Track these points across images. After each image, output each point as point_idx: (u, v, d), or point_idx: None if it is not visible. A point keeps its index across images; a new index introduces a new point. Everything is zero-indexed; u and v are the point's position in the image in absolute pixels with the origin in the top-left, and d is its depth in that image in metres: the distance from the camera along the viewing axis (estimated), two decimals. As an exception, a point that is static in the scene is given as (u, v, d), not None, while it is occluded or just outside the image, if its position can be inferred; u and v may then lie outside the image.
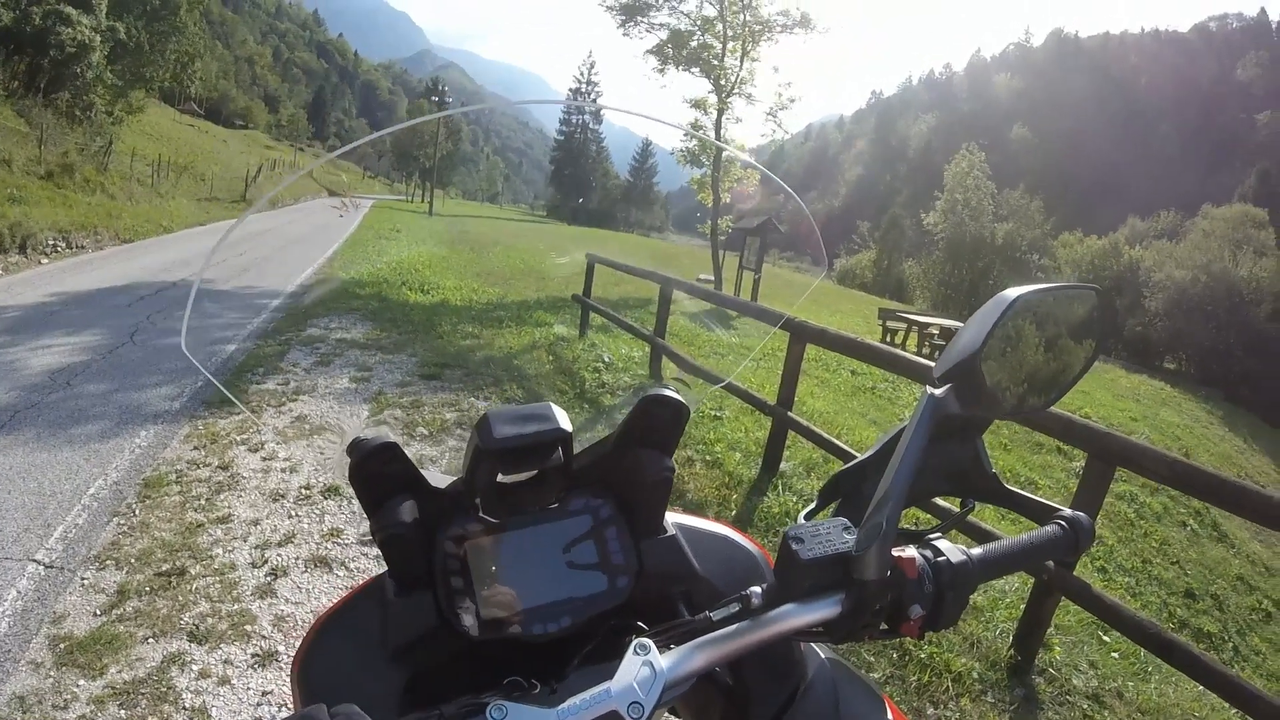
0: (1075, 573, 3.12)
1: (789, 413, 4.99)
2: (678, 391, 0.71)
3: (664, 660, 0.54)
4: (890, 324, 17.04)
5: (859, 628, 0.59)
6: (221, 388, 1.12)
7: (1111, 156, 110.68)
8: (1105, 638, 3.73)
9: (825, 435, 4.71)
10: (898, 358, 4.33)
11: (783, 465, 5.19)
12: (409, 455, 0.66)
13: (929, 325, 15.85)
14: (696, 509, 4.51)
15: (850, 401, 9.49)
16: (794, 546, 0.59)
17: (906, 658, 3.14)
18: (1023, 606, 3.37)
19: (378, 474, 0.64)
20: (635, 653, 0.54)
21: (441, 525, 0.67)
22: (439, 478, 0.69)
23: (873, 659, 3.12)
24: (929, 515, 3.79)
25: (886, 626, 0.60)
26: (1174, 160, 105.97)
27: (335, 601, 0.72)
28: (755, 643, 0.57)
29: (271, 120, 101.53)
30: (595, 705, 0.51)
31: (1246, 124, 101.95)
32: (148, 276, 10.97)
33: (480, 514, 0.68)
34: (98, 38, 21.97)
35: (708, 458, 5.31)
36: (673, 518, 0.76)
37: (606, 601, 0.67)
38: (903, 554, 0.60)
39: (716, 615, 0.60)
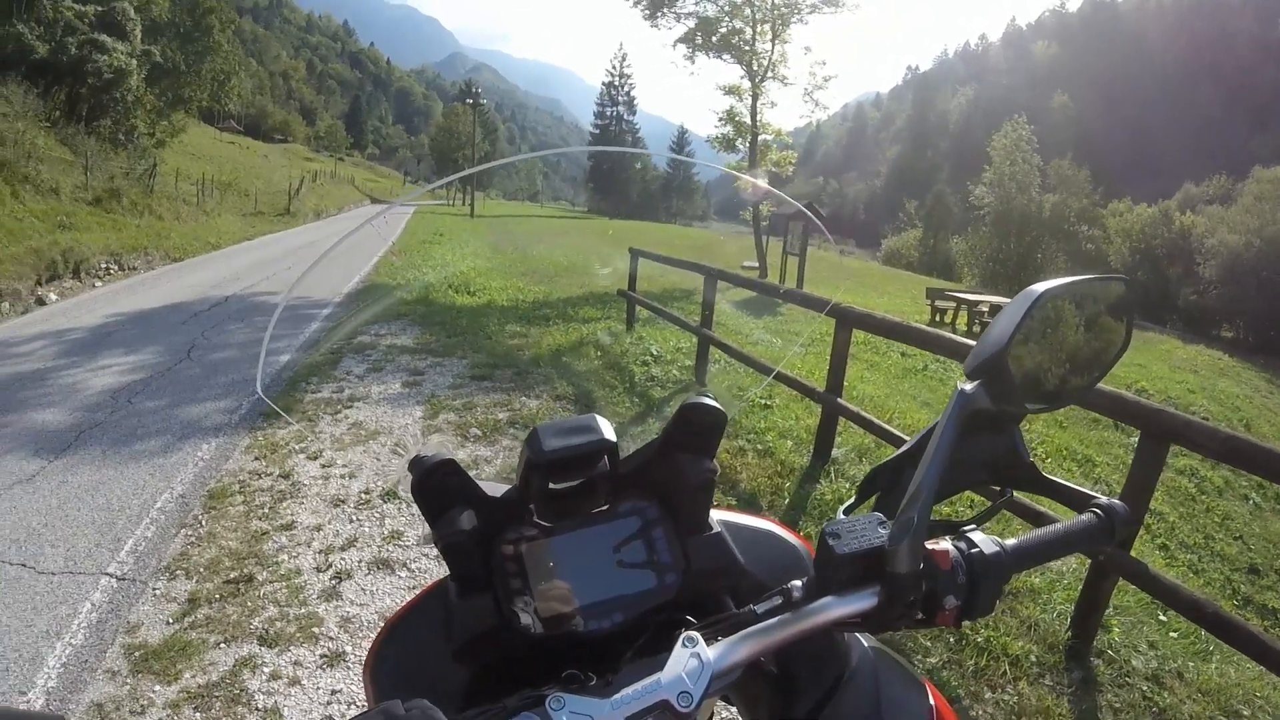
0: (1134, 552, 3.07)
1: (838, 399, 4.96)
2: (716, 398, 0.73)
3: (711, 652, 0.57)
4: (939, 303, 16.75)
5: (895, 618, 0.61)
6: (289, 418, 1.18)
7: (1153, 121, 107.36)
8: (1163, 617, 3.65)
9: (875, 420, 4.66)
10: (942, 339, 4.28)
11: (834, 452, 5.16)
12: (465, 468, 0.70)
13: (979, 303, 15.50)
14: (749, 499, 4.53)
15: (901, 384, 9.39)
16: (831, 542, 0.62)
17: (963, 642, 3.12)
18: (1080, 588, 3.32)
19: (438, 487, 0.68)
20: (683, 645, 0.57)
21: (498, 531, 0.71)
22: (494, 487, 0.73)
23: (930, 644, 3.11)
24: (982, 498, 3.77)
25: (923, 616, 0.62)
26: (1218, 122, 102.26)
27: (402, 605, 0.77)
28: (797, 634, 0.60)
29: (310, 132, 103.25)
30: (647, 695, 0.54)
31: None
32: (200, 293, 11.30)
33: (534, 519, 0.72)
34: (134, 62, 22.60)
35: (759, 446, 5.30)
36: (718, 515, 0.78)
37: (656, 598, 0.70)
38: (936, 546, 0.62)
39: (760, 608, 0.62)
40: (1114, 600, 3.37)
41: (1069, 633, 3.21)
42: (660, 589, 0.70)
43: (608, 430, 0.70)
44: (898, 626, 0.62)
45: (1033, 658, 3.06)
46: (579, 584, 0.70)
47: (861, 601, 0.61)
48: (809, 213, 1.59)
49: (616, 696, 0.54)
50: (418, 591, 0.78)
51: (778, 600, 0.62)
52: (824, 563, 0.62)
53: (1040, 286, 0.67)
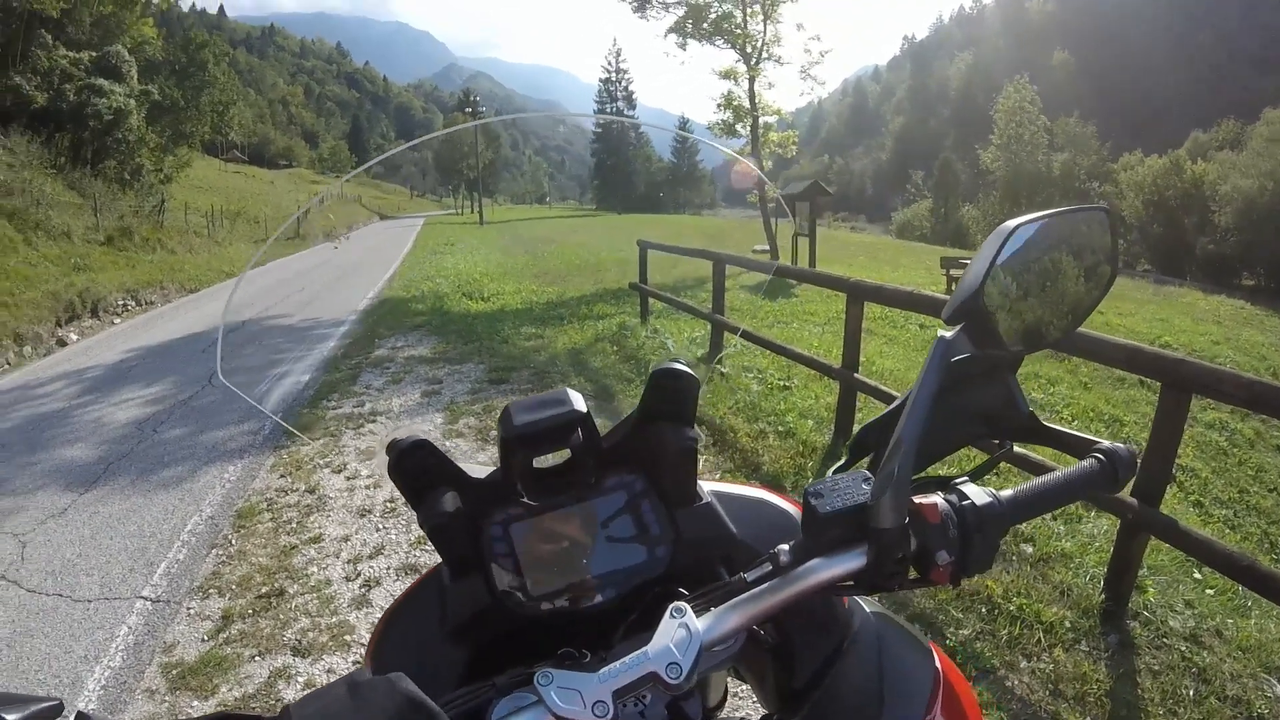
0: (1167, 510, 3.01)
1: (855, 374, 4.93)
2: (687, 364, 0.73)
3: (700, 622, 0.56)
4: (953, 272, 16.53)
5: (887, 577, 0.59)
6: (267, 411, 1.19)
7: (1158, 71, 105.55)
8: (1198, 575, 3.58)
9: (894, 393, 4.63)
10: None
11: (855, 429, 5.13)
12: (446, 451, 0.70)
13: (994, 267, 15.37)
14: (773, 480, 4.51)
15: (920, 356, 9.32)
16: (814, 502, 0.60)
17: (995, 611, 3.09)
18: (1112, 550, 3.27)
19: (417, 469, 0.69)
20: (671, 616, 0.56)
21: (485, 512, 0.71)
22: (478, 469, 0.74)
23: (961, 615, 3.07)
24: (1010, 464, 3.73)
25: (917, 575, 0.60)
26: (1222, 66, 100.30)
27: (403, 591, 0.78)
28: (786, 599, 0.59)
29: (313, 156, 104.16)
30: (634, 668, 0.53)
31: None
32: (216, 321, 11.42)
33: (522, 499, 0.72)
34: (133, 102, 22.94)
35: (779, 428, 5.29)
36: (708, 485, 0.78)
37: (647, 571, 0.70)
38: (924, 500, 0.60)
39: (750, 575, 0.61)
40: (1147, 560, 3.30)
41: (1103, 596, 3.15)
42: (651, 562, 0.70)
43: (578, 402, 0.69)
44: (891, 587, 0.60)
45: (1067, 624, 3.01)
46: (569, 561, 0.70)
47: (850, 562, 0.59)
48: (770, 183, 1.57)
49: (604, 670, 0.54)
50: (418, 577, 0.79)
51: (767, 566, 0.61)
52: (810, 524, 0.61)
53: (1013, 222, 0.65)
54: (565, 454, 0.72)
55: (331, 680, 0.50)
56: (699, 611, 0.58)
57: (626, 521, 0.72)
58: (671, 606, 0.57)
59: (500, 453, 0.71)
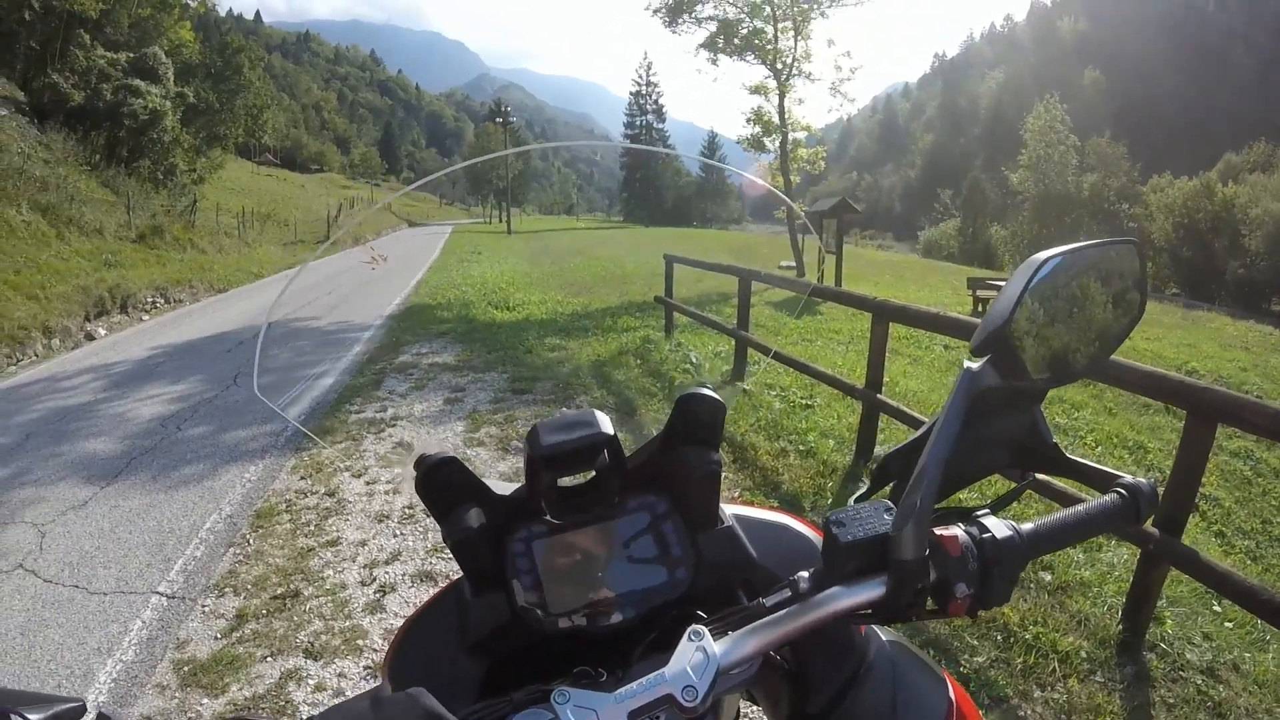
0: (1188, 540, 2.96)
1: (878, 395, 4.91)
2: (713, 389, 0.73)
3: (718, 646, 0.57)
4: (980, 293, 16.38)
5: (905, 608, 0.60)
6: (305, 430, 1.20)
7: (1190, 90, 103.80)
8: (1217, 607, 3.51)
9: (917, 415, 4.60)
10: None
11: (877, 449, 5.07)
12: (472, 468, 0.71)
13: (1021, 290, 15.23)
14: (792, 500, 4.50)
15: (945, 378, 9.24)
16: (835, 530, 0.61)
17: (1011, 639, 3.06)
18: (1131, 579, 3.21)
19: (443, 485, 0.70)
20: (689, 639, 0.57)
21: (509, 529, 0.72)
22: (503, 486, 0.75)
23: (977, 643, 3.04)
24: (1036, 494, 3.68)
25: (935, 606, 0.60)
26: (1255, 85, 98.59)
27: (422, 603, 0.79)
28: (804, 626, 0.59)
29: (345, 161, 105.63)
30: (650, 689, 0.54)
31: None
32: (244, 322, 11.57)
33: (545, 517, 0.73)
34: (168, 104, 23.40)
35: (801, 447, 5.27)
36: (731, 509, 0.78)
37: (667, 593, 0.70)
38: (945, 532, 0.60)
39: (769, 601, 0.61)
40: (1166, 591, 3.26)
41: (1120, 626, 3.11)
42: (671, 584, 0.70)
43: (606, 424, 0.70)
44: (909, 617, 0.61)
45: (1083, 654, 2.97)
46: (590, 580, 0.70)
47: (869, 591, 0.60)
48: (794, 204, 1.58)
49: (621, 690, 0.54)
50: (436, 590, 0.80)
51: (786, 593, 0.62)
52: (830, 552, 0.61)
53: (1042, 255, 0.65)
54: (590, 473, 0.73)
55: (345, 686, 0.51)
56: (717, 635, 0.58)
57: (648, 542, 0.73)
58: (690, 629, 0.58)
59: (526, 471, 0.72)
